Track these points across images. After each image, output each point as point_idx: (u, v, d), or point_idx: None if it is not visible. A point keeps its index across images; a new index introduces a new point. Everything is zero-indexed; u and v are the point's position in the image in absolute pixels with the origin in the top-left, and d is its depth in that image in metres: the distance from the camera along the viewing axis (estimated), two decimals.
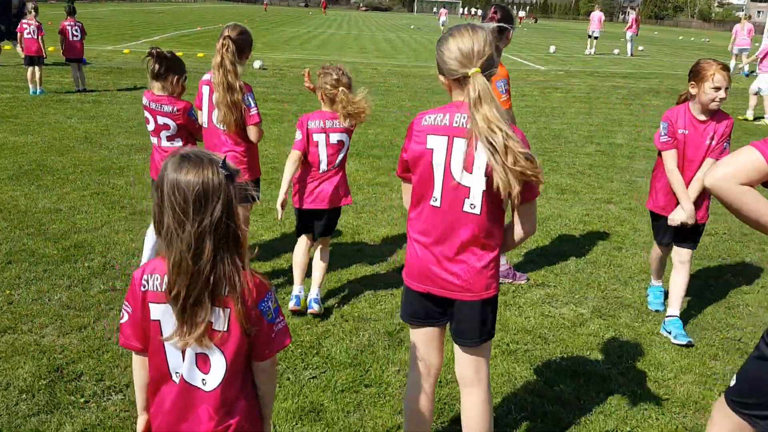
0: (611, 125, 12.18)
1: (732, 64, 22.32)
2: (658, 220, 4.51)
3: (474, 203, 2.54)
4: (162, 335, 1.99)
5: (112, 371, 3.73)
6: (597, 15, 28.84)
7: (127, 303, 2.06)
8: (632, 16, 29.15)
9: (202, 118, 4.50)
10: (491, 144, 2.41)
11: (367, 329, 4.32)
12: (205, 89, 4.42)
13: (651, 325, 4.54)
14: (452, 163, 2.53)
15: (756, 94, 13.55)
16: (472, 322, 2.67)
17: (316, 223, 4.44)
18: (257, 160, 4.58)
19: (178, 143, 4.61)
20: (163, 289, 1.97)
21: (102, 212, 6.19)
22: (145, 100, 4.59)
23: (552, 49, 28.74)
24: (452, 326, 2.75)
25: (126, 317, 2.06)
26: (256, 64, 17.32)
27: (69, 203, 6.38)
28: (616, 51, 29.33)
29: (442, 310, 2.73)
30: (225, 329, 1.97)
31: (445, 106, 2.62)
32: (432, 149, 2.56)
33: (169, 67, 4.48)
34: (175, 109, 4.52)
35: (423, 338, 2.82)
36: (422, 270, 2.65)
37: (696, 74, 4.09)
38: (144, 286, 2.00)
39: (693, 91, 4.13)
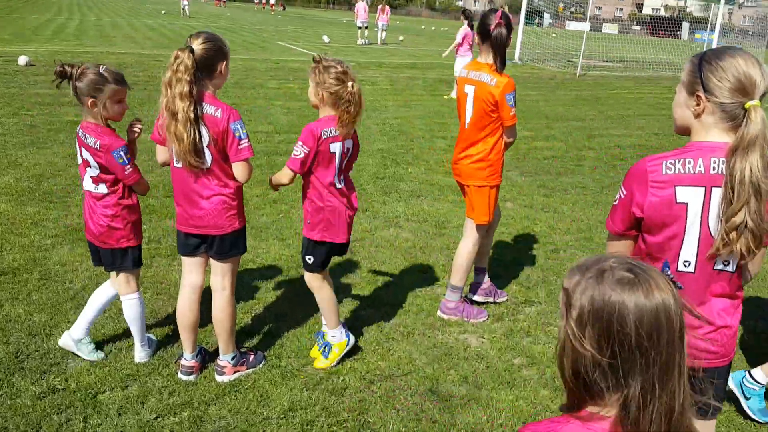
0: (437, 117, 12.41)
1: None
2: None
3: (728, 260, 2.19)
4: None
5: None
6: (361, 5, 29.51)
7: None
8: (380, 6, 30.22)
9: (173, 155, 3.44)
10: (751, 199, 2.07)
11: (404, 389, 3.73)
12: None
13: None
14: (710, 218, 2.15)
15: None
16: (719, 389, 2.34)
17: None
18: (242, 204, 3.68)
19: (103, 189, 3.56)
20: None
21: None
22: (80, 131, 3.56)
23: (326, 39, 28.78)
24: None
25: None
26: (22, 60, 14.66)
27: None
28: (401, 38, 30.43)
29: None
30: None
31: (685, 148, 2.20)
32: (685, 204, 2.15)
33: (79, 89, 3.41)
34: (97, 143, 3.45)
35: None
36: None
37: None
38: None
39: None
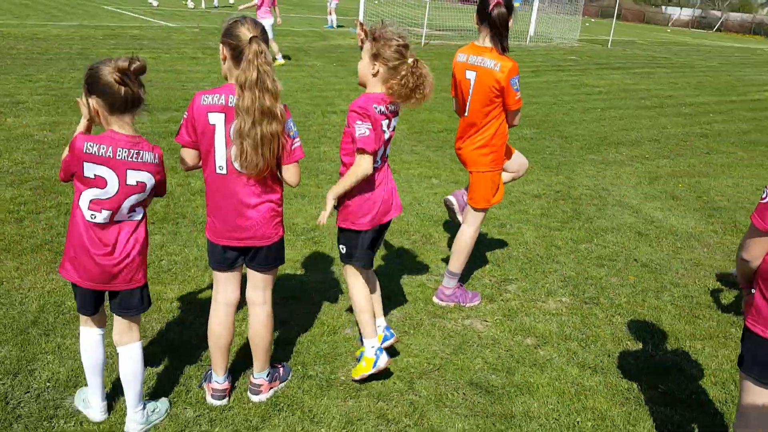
0: (316, 90, 12.09)
1: (330, 19, 24.27)
2: None
3: None
4: None
5: None
6: None
7: None
8: None
9: (215, 161, 3.01)
10: None
11: (446, 385, 3.66)
12: (216, 118, 2.94)
13: (626, 298, 4.88)
14: None
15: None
16: None
17: (378, 240, 3.63)
18: None
19: (139, 215, 2.90)
20: None
21: None
22: (102, 149, 2.71)
23: (153, 2, 26.77)
24: None
25: None
26: None
27: None
28: (231, 1, 29.01)
29: None
30: None
31: None
32: None
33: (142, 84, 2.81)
34: (156, 157, 2.85)
35: None
36: None
37: None
38: None
39: None
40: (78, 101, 2.80)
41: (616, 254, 5.70)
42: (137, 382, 3.05)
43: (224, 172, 3.01)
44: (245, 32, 2.90)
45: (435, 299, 4.57)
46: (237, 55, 2.91)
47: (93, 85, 2.72)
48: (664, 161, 9.24)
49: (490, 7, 4.01)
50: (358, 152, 3.27)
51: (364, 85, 3.38)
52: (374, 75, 3.29)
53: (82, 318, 3.02)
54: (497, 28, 4.04)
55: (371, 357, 3.53)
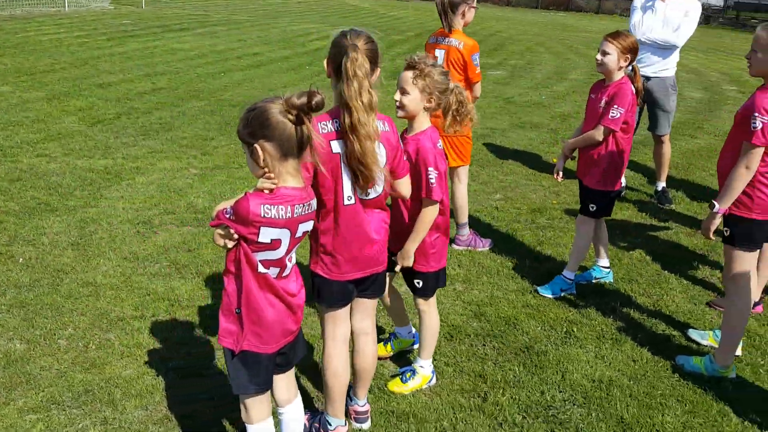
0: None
1: None
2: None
3: None
4: None
5: None
6: None
7: None
8: None
9: (343, 191, 2.82)
10: None
11: (489, 353, 4.00)
12: (339, 146, 2.78)
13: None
14: None
15: None
16: None
17: None
18: None
19: (294, 260, 2.65)
20: None
21: None
22: (281, 211, 2.39)
23: None
24: None
25: None
26: None
27: None
28: None
29: None
30: None
31: None
32: None
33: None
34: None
35: None
36: None
37: None
38: None
39: None
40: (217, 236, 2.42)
41: None
42: None
43: (353, 201, 2.85)
44: (345, 42, 2.73)
45: (453, 246, 5.31)
46: (337, 69, 2.73)
47: (260, 128, 2.33)
48: None
49: None
50: (428, 200, 3.22)
51: (411, 118, 3.28)
52: (434, 106, 3.24)
53: (255, 410, 2.62)
54: (439, 14, 5.07)
55: (428, 375, 3.66)
